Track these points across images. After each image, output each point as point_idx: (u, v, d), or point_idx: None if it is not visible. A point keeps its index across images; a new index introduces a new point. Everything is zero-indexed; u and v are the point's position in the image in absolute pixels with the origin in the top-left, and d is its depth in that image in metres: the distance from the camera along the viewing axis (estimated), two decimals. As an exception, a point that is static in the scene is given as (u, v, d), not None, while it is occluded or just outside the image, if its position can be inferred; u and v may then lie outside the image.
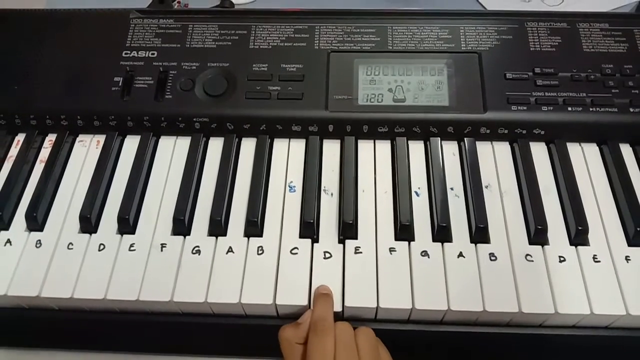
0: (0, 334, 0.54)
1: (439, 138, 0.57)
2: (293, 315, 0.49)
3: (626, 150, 0.56)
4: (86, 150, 0.58)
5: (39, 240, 0.52)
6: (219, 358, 0.53)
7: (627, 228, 0.51)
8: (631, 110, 0.56)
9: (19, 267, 0.50)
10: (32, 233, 0.52)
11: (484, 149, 0.57)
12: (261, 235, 0.52)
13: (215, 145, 0.58)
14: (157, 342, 0.53)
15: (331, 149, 0.57)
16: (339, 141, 0.58)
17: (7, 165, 0.57)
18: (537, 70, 0.58)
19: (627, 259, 0.50)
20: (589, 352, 0.51)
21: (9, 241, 0.52)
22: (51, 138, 0.59)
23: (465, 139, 0.56)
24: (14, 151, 0.58)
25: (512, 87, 0.57)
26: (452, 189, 0.54)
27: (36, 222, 0.52)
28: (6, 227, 0.53)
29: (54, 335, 0.54)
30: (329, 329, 0.45)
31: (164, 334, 0.52)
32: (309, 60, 0.59)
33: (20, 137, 0.59)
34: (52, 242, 0.52)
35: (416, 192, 0.54)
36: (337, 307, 0.47)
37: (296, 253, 0.50)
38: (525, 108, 0.56)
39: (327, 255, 0.50)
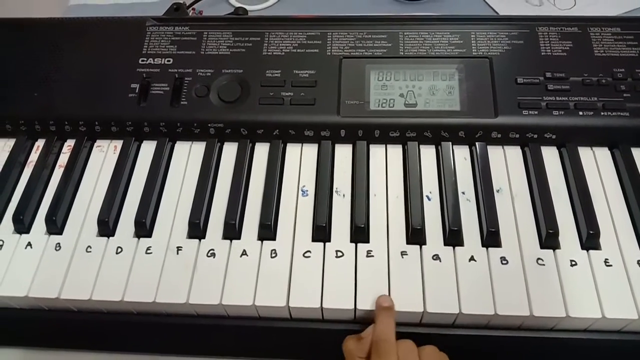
0: (21, 334, 0.55)
1: (450, 142, 0.57)
2: (306, 317, 0.49)
3: (638, 154, 0.56)
4: (104, 156, 0.60)
5: (59, 244, 0.53)
6: (233, 359, 0.54)
7: (639, 232, 0.51)
8: (643, 114, 0.56)
9: (39, 270, 0.51)
10: (52, 236, 0.54)
11: (495, 153, 0.57)
12: (274, 239, 0.52)
13: (230, 150, 0.59)
14: (173, 344, 0.54)
15: (343, 154, 0.58)
16: (351, 146, 0.59)
17: (28, 170, 0.59)
18: (548, 74, 0.58)
19: (639, 263, 0.50)
20: (601, 356, 0.51)
21: (29, 244, 0.53)
22: (70, 143, 0.61)
23: (476, 143, 0.57)
24: (34, 156, 0.60)
25: (523, 92, 0.57)
26: (463, 193, 0.54)
27: (55, 225, 0.54)
28: (27, 230, 0.55)
29: (72, 336, 0.55)
30: (392, 351, 0.44)
31: (179, 336, 0.53)
32: (321, 66, 0.60)
33: (40, 143, 0.61)
34: (71, 245, 0.53)
35: (427, 197, 0.54)
36: (349, 309, 0.48)
37: (309, 256, 0.51)
38: (536, 112, 0.56)
39: (340, 254, 0.51)
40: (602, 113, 0.56)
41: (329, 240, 0.52)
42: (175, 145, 0.60)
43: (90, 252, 0.52)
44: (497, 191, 0.54)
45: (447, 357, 0.47)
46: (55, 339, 0.55)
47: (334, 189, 0.56)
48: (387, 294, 0.48)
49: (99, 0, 0.85)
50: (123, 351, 0.54)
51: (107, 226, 0.53)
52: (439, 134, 0.57)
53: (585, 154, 0.57)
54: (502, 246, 0.51)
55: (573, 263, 0.50)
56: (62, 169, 0.58)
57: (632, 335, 0.49)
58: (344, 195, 0.55)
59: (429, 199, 0.54)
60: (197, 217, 0.53)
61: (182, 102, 0.59)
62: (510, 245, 0.51)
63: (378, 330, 0.46)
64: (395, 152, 0.58)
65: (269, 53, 0.61)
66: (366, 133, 0.58)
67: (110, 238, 0.53)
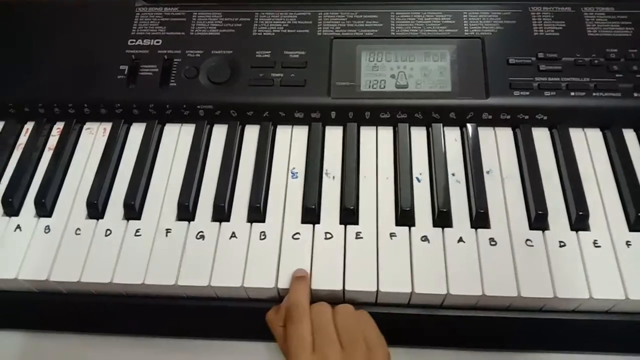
0: (12, 317, 0.55)
1: (441, 124, 0.57)
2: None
3: (629, 135, 0.56)
4: (93, 138, 0.59)
5: (48, 226, 0.53)
6: (224, 341, 0.54)
7: (629, 213, 0.51)
8: (635, 95, 0.55)
9: (29, 252, 0.52)
10: (41, 219, 0.54)
11: (486, 134, 0.57)
12: (264, 221, 0.52)
13: (219, 132, 0.58)
14: (163, 325, 0.54)
15: (334, 136, 0.58)
16: (341, 128, 0.58)
17: (17, 153, 0.58)
18: (541, 55, 0.57)
19: (627, 244, 0.50)
20: (589, 336, 0.51)
21: (18, 227, 0.53)
22: (59, 126, 0.60)
23: (467, 124, 0.57)
24: (23, 139, 0.60)
25: (514, 73, 0.57)
26: (453, 174, 0.54)
27: (45, 208, 0.54)
28: (16, 213, 0.54)
29: (63, 318, 0.55)
30: (304, 314, 0.45)
31: (169, 318, 0.53)
32: (311, 47, 0.60)
33: (29, 126, 0.61)
34: (61, 227, 0.53)
35: (417, 178, 0.54)
36: (338, 289, 0.48)
37: (298, 238, 0.51)
38: (527, 93, 0.56)
39: (329, 235, 0.51)
40: (594, 94, 0.56)
41: (319, 222, 0.52)
42: (165, 127, 0.60)
43: (79, 234, 0.52)
44: (487, 172, 0.54)
45: (366, 314, 0.47)
46: (45, 322, 0.55)
47: (324, 171, 0.55)
48: (376, 275, 0.49)
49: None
50: (113, 333, 0.54)
51: (96, 208, 0.53)
52: (429, 115, 0.57)
53: (576, 135, 0.56)
54: (491, 227, 0.51)
55: (562, 244, 0.50)
56: (51, 152, 0.58)
57: (619, 316, 0.49)
58: (333, 177, 0.55)
59: (419, 181, 0.54)
60: (186, 200, 0.53)
61: (171, 84, 0.59)
62: (499, 227, 0.51)
63: (290, 298, 0.47)
64: (386, 133, 0.58)
65: (259, 33, 0.61)
66: (357, 115, 0.58)
67: (100, 220, 0.53)
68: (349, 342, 0.44)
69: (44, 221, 0.53)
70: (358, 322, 0.46)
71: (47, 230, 0.53)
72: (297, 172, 0.55)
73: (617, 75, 0.56)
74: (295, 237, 0.51)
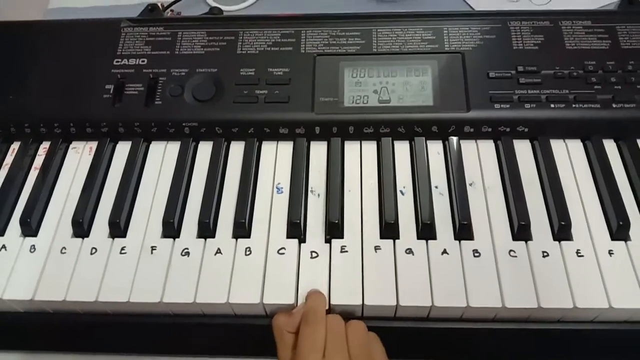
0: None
1: (424, 137, 0.57)
2: (280, 314, 0.49)
3: (610, 145, 0.57)
4: (79, 157, 0.59)
5: (33, 245, 0.53)
6: (211, 358, 0.54)
7: (610, 222, 0.52)
8: (614, 105, 0.56)
9: (14, 272, 0.51)
10: (27, 238, 0.54)
11: (468, 147, 0.57)
12: (249, 237, 0.53)
13: (205, 150, 0.59)
14: (150, 344, 0.54)
15: (318, 151, 0.58)
16: (325, 143, 0.59)
17: (3, 172, 0.59)
18: (520, 68, 0.58)
19: (610, 253, 0.50)
20: (575, 346, 0.51)
21: (4, 246, 0.53)
22: (45, 145, 0.60)
23: (449, 137, 0.57)
24: (9, 159, 0.60)
25: (495, 86, 0.58)
26: (436, 187, 0.55)
27: (30, 227, 0.54)
28: (1, 232, 0.54)
29: (50, 338, 0.55)
30: (321, 320, 0.46)
31: (156, 336, 0.53)
32: (295, 64, 0.60)
33: (15, 146, 0.61)
34: (46, 246, 0.53)
35: (401, 191, 0.55)
36: (324, 305, 0.48)
37: (283, 253, 0.51)
38: (508, 106, 0.57)
39: (314, 254, 0.51)
40: (573, 105, 0.57)
41: (304, 237, 0.52)
42: (150, 145, 0.60)
43: (65, 253, 0.52)
44: (470, 185, 0.54)
45: (375, 335, 0.48)
46: (31, 342, 0.55)
47: (309, 186, 0.56)
48: (361, 288, 0.49)
49: (78, 4, 0.85)
50: (99, 352, 0.54)
51: (81, 227, 0.53)
52: (412, 129, 0.57)
53: (557, 146, 0.57)
54: (475, 239, 0.51)
55: (545, 254, 0.50)
56: (37, 171, 0.58)
57: (604, 325, 0.49)
58: (318, 195, 0.55)
59: (403, 194, 0.55)
60: (171, 217, 0.53)
61: (156, 102, 0.59)
62: (482, 238, 0.51)
63: (309, 304, 0.47)
64: (370, 148, 0.58)
65: (243, 52, 0.62)
66: (341, 130, 0.58)
67: (85, 239, 0.53)
68: (357, 355, 0.44)
69: (30, 240, 0.53)
70: (368, 339, 0.47)
71: (32, 250, 0.53)
72: (282, 187, 0.56)
73: (595, 87, 0.57)
74: (280, 252, 0.51)
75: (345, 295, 0.49)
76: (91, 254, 0.52)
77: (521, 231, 0.51)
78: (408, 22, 0.62)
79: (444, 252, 0.50)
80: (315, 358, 0.44)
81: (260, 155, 0.58)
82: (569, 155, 0.57)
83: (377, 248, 0.51)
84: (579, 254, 0.50)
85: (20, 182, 0.58)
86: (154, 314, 0.51)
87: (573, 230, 0.51)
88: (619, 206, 0.52)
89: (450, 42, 0.60)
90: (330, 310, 0.49)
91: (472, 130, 0.57)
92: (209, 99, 0.59)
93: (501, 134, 0.57)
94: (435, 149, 0.58)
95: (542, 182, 0.55)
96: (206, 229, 0.53)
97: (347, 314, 0.49)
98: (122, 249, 0.52)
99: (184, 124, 0.58)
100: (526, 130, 0.57)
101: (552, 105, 0.57)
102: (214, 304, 0.49)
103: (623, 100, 0.56)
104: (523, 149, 0.57)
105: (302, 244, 0.52)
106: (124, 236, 0.53)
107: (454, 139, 0.57)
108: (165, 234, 0.53)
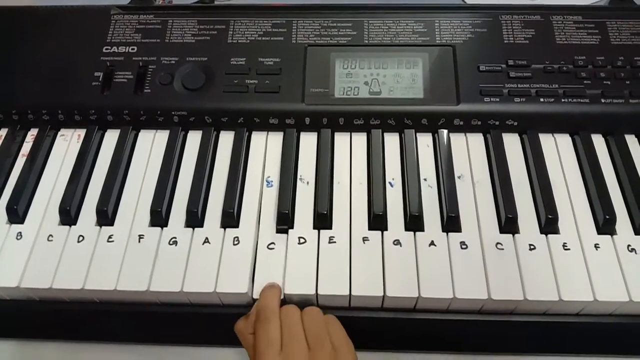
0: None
1: (414, 130, 0.58)
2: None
3: (598, 140, 0.57)
4: (67, 145, 0.59)
5: (20, 232, 0.53)
6: (198, 347, 0.54)
7: (597, 216, 0.52)
8: (603, 101, 0.57)
9: (0, 259, 0.51)
10: (13, 225, 0.53)
11: (457, 140, 0.57)
12: (237, 226, 0.52)
13: (194, 139, 0.59)
14: (136, 332, 0.54)
15: (308, 142, 0.58)
16: (315, 134, 0.59)
17: (-10, 160, 0.58)
18: (511, 62, 0.58)
19: (596, 246, 0.50)
20: (560, 339, 0.52)
21: (-10, 233, 0.53)
22: (33, 132, 0.60)
23: (439, 130, 0.57)
24: (-4, 146, 0.59)
25: (485, 79, 0.58)
26: (425, 179, 0.55)
27: (17, 214, 0.53)
28: (-13, 220, 0.54)
29: (36, 326, 0.54)
30: (272, 315, 0.46)
31: (142, 324, 0.53)
32: (286, 54, 0.60)
33: (2, 132, 0.60)
34: (33, 234, 0.52)
35: (390, 183, 0.55)
36: (311, 294, 0.48)
37: (271, 243, 0.51)
38: (498, 100, 0.57)
39: (302, 240, 0.51)
40: (562, 100, 0.57)
41: (292, 227, 0.52)
42: (139, 133, 0.59)
43: (51, 240, 0.52)
44: (459, 177, 0.55)
45: (334, 317, 0.48)
46: (19, 330, 0.55)
47: (299, 177, 0.56)
48: (349, 278, 0.49)
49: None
50: (87, 340, 0.54)
51: (69, 215, 0.53)
52: (402, 121, 0.58)
53: (546, 140, 0.57)
54: (462, 231, 0.51)
55: (532, 247, 0.50)
56: (24, 158, 0.58)
57: (589, 318, 0.50)
58: (307, 183, 0.55)
59: (392, 186, 0.55)
60: (159, 206, 0.53)
61: (145, 90, 0.59)
62: (470, 230, 0.51)
63: (260, 302, 0.47)
64: (360, 139, 0.58)
65: (234, 41, 0.61)
66: (331, 121, 0.58)
67: (72, 227, 0.53)
68: (316, 342, 0.44)
69: (16, 228, 0.53)
70: (325, 324, 0.46)
71: (19, 237, 0.52)
72: (272, 181, 0.56)
73: (585, 82, 0.57)
74: (269, 242, 0.51)
75: (332, 286, 0.49)
76: (78, 242, 0.52)
77: (508, 224, 0.51)
78: (400, 14, 0.62)
79: (432, 243, 0.50)
80: (273, 352, 0.44)
81: (249, 145, 0.58)
82: (558, 150, 0.57)
83: (365, 239, 0.51)
84: (566, 247, 0.50)
85: (7, 169, 0.57)
86: (141, 303, 0.51)
87: (560, 224, 0.52)
88: (605, 200, 0.52)
89: (441, 35, 0.60)
90: (317, 300, 0.49)
91: (461, 123, 0.57)
92: (198, 88, 0.59)
93: (490, 128, 0.57)
94: (424, 141, 0.58)
95: (530, 175, 0.55)
96: (194, 218, 0.52)
97: (334, 305, 0.49)
98: (110, 237, 0.52)
99: (173, 113, 0.58)
100: (515, 124, 0.57)
101: (542, 100, 0.57)
102: (202, 293, 0.49)
103: (612, 95, 0.57)
104: (512, 143, 0.57)
105: (290, 230, 0.52)
106: (112, 224, 0.53)
107: (444, 131, 0.57)
108: (153, 223, 0.53)
